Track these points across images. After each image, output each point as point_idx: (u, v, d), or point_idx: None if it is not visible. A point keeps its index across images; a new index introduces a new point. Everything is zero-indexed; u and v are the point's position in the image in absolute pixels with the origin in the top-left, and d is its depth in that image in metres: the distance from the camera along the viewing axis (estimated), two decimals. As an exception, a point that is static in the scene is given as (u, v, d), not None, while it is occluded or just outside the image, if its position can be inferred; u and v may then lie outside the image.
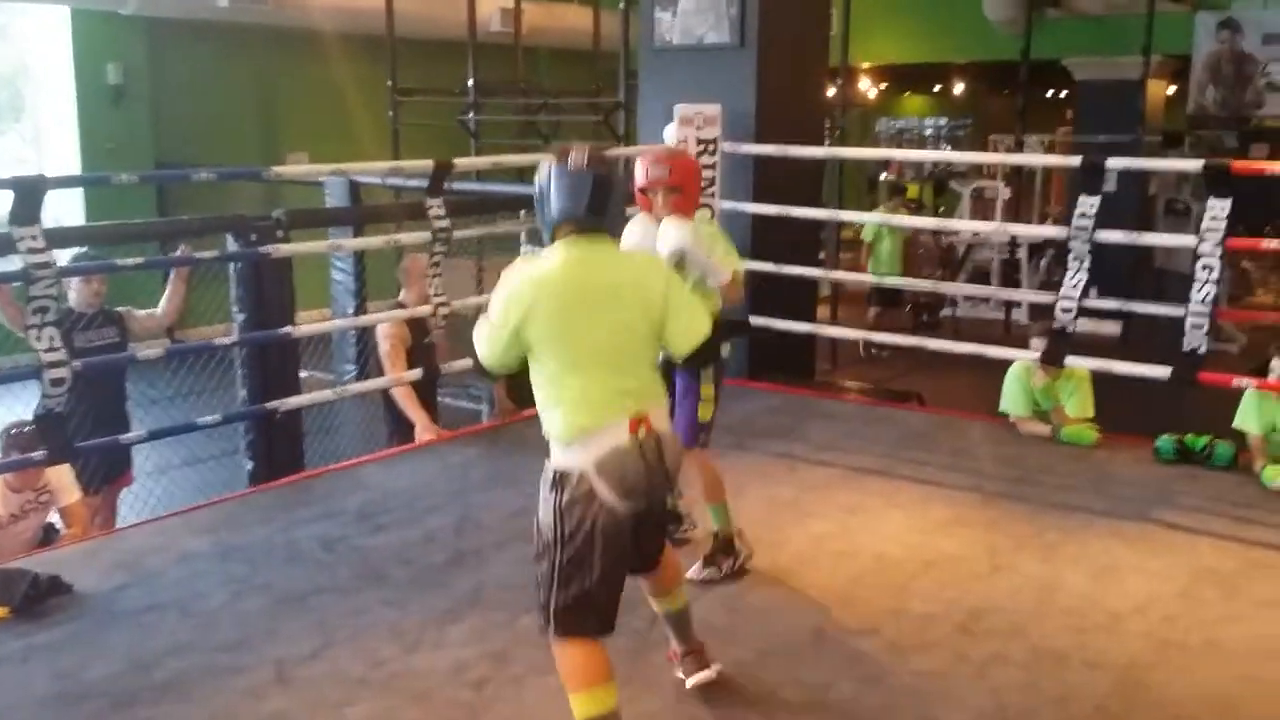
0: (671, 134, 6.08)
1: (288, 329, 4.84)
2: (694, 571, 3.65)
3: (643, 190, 3.69)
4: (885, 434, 5.36)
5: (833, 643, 3.33)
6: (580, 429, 2.55)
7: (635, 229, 3.56)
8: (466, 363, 5.51)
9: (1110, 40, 11.95)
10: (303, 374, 5.77)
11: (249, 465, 5.13)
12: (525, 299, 2.59)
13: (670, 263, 3.36)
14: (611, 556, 2.55)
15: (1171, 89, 13.52)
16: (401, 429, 5.47)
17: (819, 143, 7.07)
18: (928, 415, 5.78)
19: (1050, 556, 3.93)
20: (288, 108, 12.21)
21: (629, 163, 3.49)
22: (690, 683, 2.98)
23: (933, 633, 3.38)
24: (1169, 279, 10.52)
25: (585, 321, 2.58)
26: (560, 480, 2.55)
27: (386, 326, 5.37)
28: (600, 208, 2.63)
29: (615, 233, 2.77)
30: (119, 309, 5.21)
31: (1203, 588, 3.70)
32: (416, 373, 5.17)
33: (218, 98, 11.57)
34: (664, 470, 2.59)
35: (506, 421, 5.59)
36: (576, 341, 2.58)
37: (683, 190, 3.63)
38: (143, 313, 5.28)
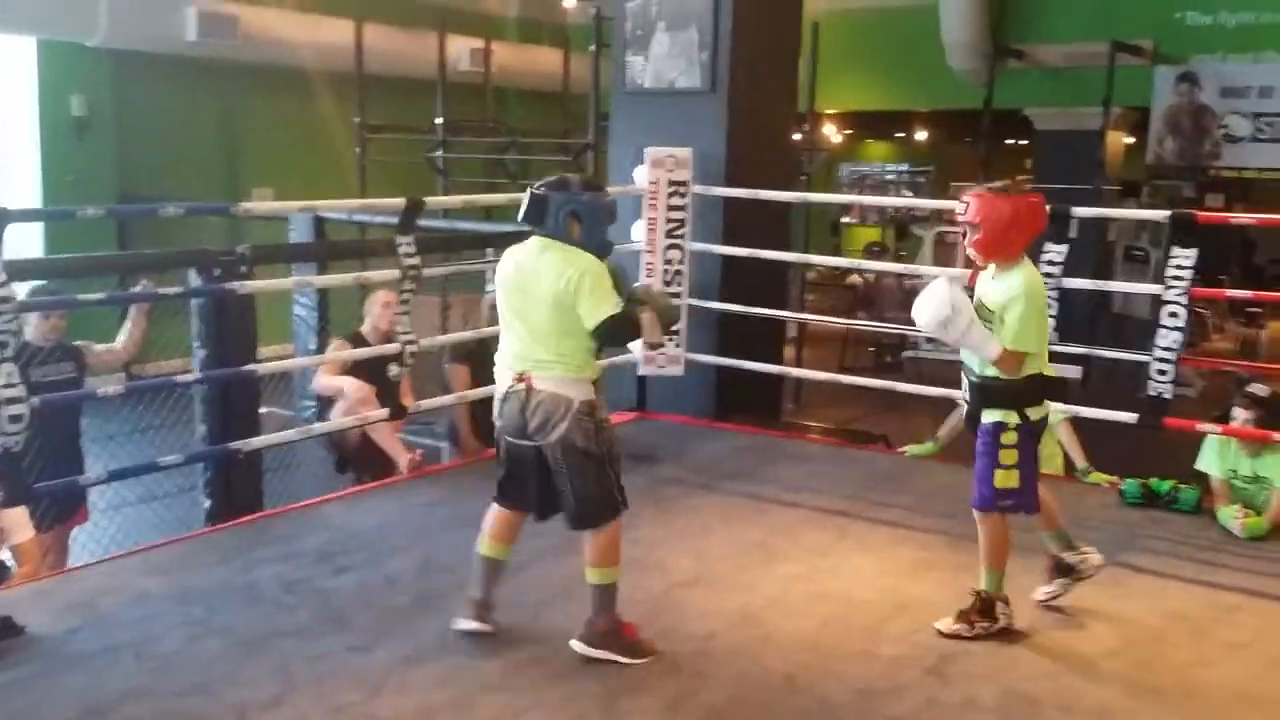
0: (642, 176, 6.09)
1: (252, 366, 4.77)
2: (943, 623, 3.62)
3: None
4: (853, 475, 5.35)
5: (805, 688, 3.28)
6: (498, 371, 3.45)
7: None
8: (432, 402, 5.51)
9: (1071, 91, 12.18)
10: (261, 410, 5.69)
11: (206, 503, 5.02)
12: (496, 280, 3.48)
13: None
14: (505, 456, 3.47)
15: (1130, 140, 13.79)
16: (357, 465, 5.45)
17: (789, 186, 7.11)
18: (894, 457, 5.77)
19: (1020, 600, 3.91)
20: (254, 143, 12.15)
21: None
22: (573, 645, 3.36)
23: (904, 676, 3.35)
24: (1127, 324, 10.67)
25: (508, 300, 3.40)
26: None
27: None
28: (536, 218, 3.34)
29: (562, 236, 3.32)
30: (77, 343, 5.11)
31: (1174, 632, 3.70)
32: (383, 412, 5.10)
33: (183, 132, 11.49)
34: (527, 417, 3.32)
35: (472, 460, 5.52)
36: (503, 313, 3.43)
37: (981, 229, 3.47)
38: (101, 347, 5.18)
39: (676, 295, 6.05)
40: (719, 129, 6.30)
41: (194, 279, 4.89)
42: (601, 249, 3.38)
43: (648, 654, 3.38)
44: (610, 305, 3.26)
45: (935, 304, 3.46)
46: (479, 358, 5.72)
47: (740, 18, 6.25)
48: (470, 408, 5.66)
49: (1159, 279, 5.03)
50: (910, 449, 5.66)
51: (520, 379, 3.32)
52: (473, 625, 3.48)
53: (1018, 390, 3.52)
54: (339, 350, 5.50)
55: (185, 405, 5.48)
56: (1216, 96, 11.89)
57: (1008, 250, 3.51)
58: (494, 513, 3.53)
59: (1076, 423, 5.26)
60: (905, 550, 4.41)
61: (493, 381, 5.51)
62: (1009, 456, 3.53)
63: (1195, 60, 12.00)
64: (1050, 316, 4.20)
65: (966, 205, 3.53)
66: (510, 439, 3.41)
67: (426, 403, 5.45)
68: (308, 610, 3.73)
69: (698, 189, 6.11)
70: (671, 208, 6.10)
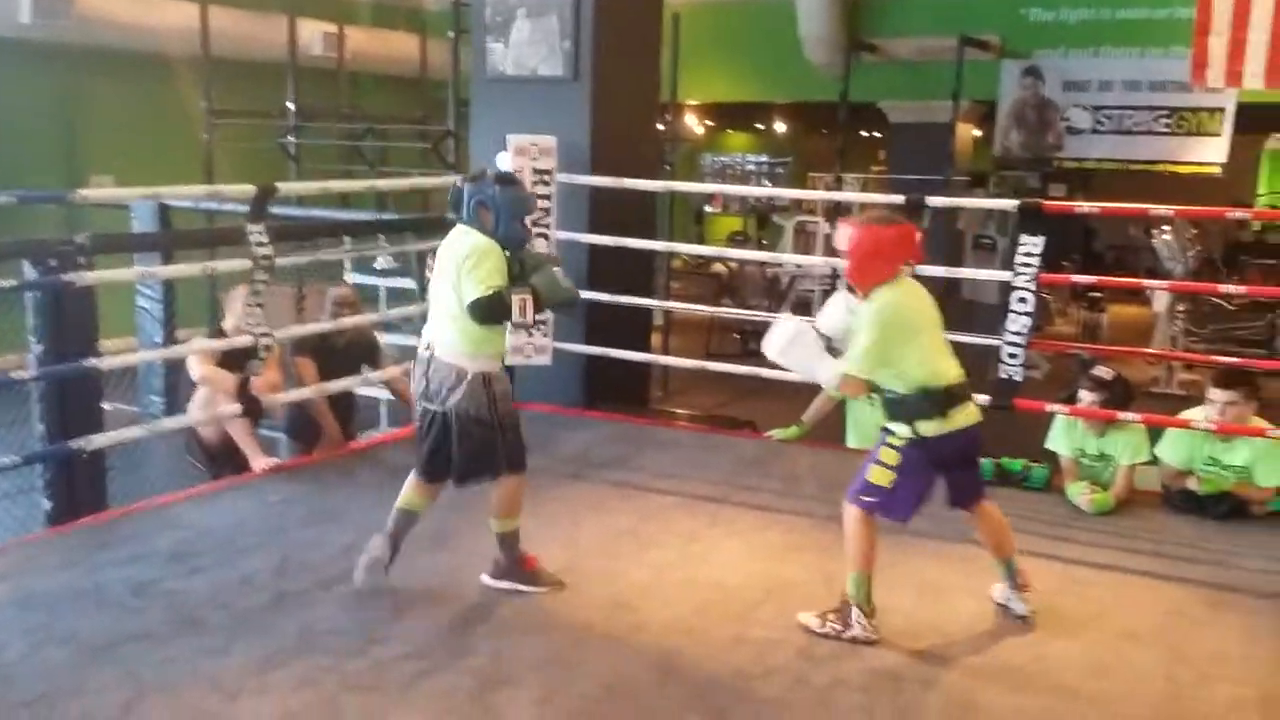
0: (506, 163, 6.01)
1: (93, 361, 4.52)
2: (804, 614, 3.62)
3: None
4: (721, 461, 5.39)
5: (678, 674, 3.29)
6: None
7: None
8: (289, 395, 5.33)
9: (922, 85, 12.53)
10: (105, 406, 5.41)
11: (47, 504, 4.75)
12: None
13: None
14: (422, 423, 3.73)
15: (978, 132, 14.28)
16: (218, 462, 5.23)
17: (653, 176, 7.11)
18: (760, 442, 5.83)
19: (882, 579, 3.97)
20: (94, 128, 11.54)
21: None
22: (482, 580, 3.81)
23: (775, 659, 3.39)
24: (977, 310, 11.04)
25: (432, 279, 3.74)
26: None
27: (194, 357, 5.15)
28: (454, 206, 3.73)
29: (474, 224, 3.65)
30: (-101, 339, 4.77)
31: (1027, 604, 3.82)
32: (236, 408, 4.91)
33: (17, 117, 10.84)
34: (428, 382, 3.67)
35: (333, 454, 5.36)
36: (430, 289, 3.76)
37: (850, 257, 3.54)
38: (-73, 343, 4.84)
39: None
40: (583, 118, 6.25)
41: (29, 271, 4.62)
42: (509, 239, 3.66)
43: (548, 584, 3.81)
44: (483, 287, 3.52)
45: (776, 339, 3.57)
46: (324, 351, 5.56)
47: (600, 6, 6.20)
48: (328, 401, 5.49)
49: (1006, 265, 5.21)
50: (776, 433, 5.73)
51: (428, 347, 3.68)
52: (374, 557, 3.73)
53: (905, 403, 3.55)
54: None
55: (22, 402, 5.17)
56: (1059, 90, 12.40)
57: (873, 278, 3.55)
58: (413, 478, 3.81)
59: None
60: (773, 534, 4.46)
61: (337, 375, 5.47)
62: (889, 456, 3.58)
63: (1039, 55, 12.49)
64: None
65: (845, 235, 3.59)
66: (422, 401, 3.74)
67: (282, 396, 5.28)
68: (158, 613, 3.55)
69: (562, 178, 6.06)
70: (536, 196, 6.03)
